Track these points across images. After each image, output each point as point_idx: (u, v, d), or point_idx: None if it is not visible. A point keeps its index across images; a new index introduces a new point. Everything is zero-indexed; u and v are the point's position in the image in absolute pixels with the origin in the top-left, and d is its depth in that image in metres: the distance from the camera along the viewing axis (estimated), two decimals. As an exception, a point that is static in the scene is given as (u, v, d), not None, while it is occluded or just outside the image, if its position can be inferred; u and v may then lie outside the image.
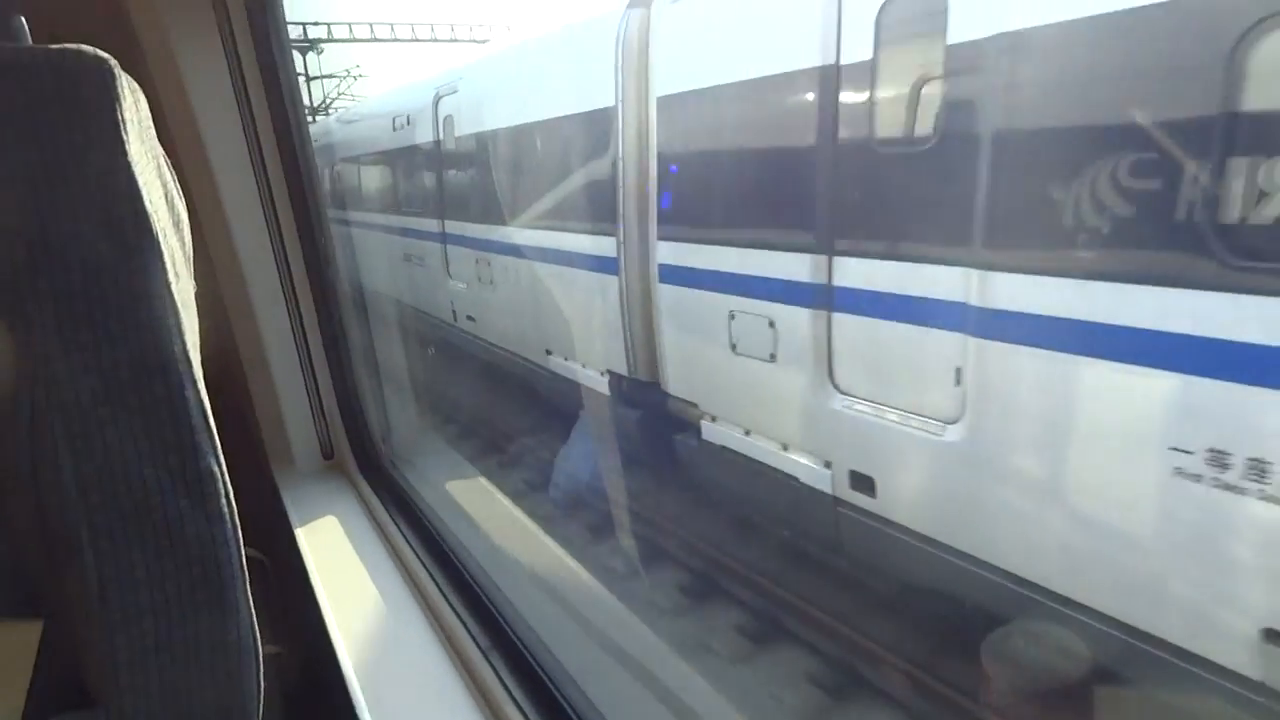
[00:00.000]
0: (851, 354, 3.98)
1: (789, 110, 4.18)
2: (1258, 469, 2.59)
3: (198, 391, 0.79)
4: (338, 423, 2.42)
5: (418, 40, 20.15)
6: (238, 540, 0.82)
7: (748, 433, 4.65)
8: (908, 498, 3.80)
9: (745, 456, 4.64)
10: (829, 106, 3.94)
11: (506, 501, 4.49)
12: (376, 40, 20.87)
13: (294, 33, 19.95)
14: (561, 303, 6.38)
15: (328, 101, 24.04)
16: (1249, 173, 2.54)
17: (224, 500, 0.80)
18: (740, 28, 4.43)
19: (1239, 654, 2.71)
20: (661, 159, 5.03)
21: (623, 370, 5.59)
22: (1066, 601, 3.16)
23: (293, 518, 2.08)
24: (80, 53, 0.71)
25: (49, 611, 0.81)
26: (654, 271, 5.19)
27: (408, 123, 8.94)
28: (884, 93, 3.71)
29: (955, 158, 3.39)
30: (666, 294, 5.11)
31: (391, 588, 1.77)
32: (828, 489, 4.11)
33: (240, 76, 2.05)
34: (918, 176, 3.58)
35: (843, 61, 3.85)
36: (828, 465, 4.14)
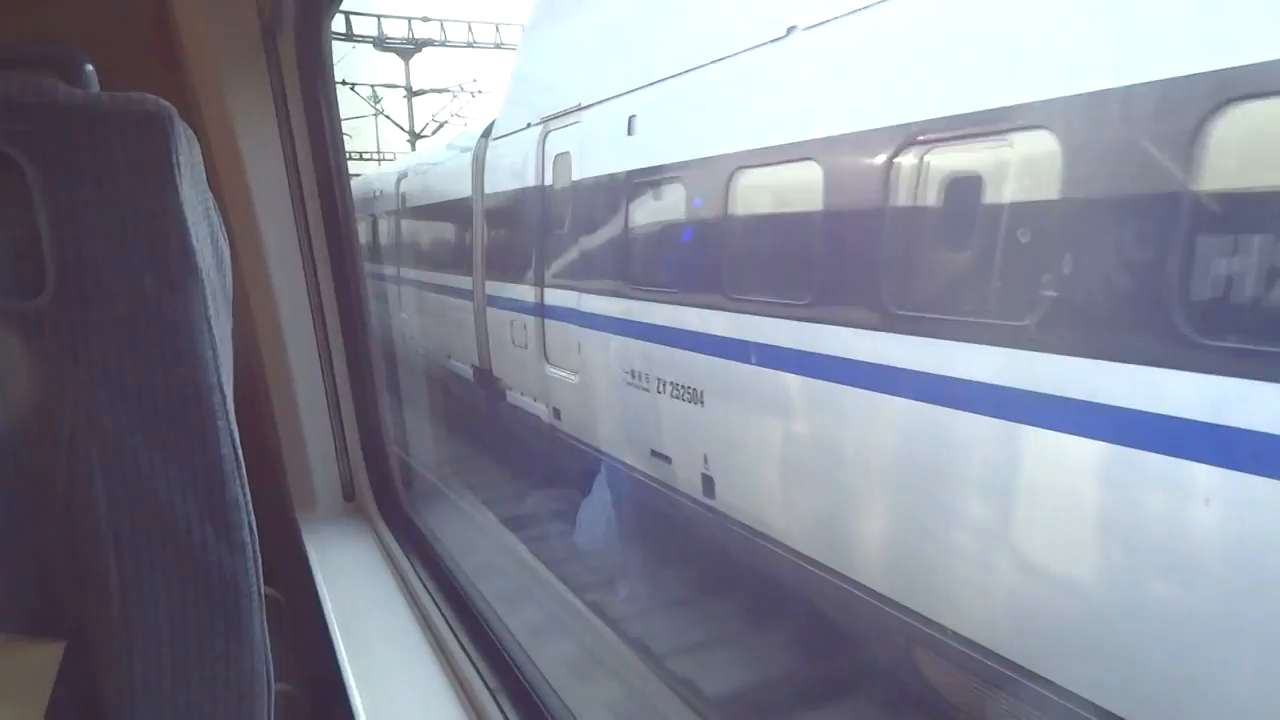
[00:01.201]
0: (551, 343, 7.27)
1: (525, 207, 7.69)
2: (638, 375, 5.67)
3: (229, 424, 0.81)
4: (360, 466, 2.44)
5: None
6: (258, 572, 0.84)
7: (521, 394, 8.11)
8: (569, 418, 7.07)
9: (520, 407, 8.13)
10: (538, 206, 7.32)
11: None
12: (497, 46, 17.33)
13: (398, 29, 17.30)
14: (452, 324, 9.96)
15: (437, 123, 19.66)
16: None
17: (247, 532, 0.82)
18: (507, 160, 8.01)
19: (643, 463, 5.69)
20: (483, 228, 8.94)
21: (477, 364, 9.12)
22: (597, 450, 6.53)
23: (312, 558, 2.10)
24: (144, 100, 0.76)
25: (71, 631, 0.82)
26: (483, 299, 8.84)
27: (377, 194, 13.17)
28: (554, 202, 7.13)
29: (548, 234, 7.21)
30: (490, 314, 8.72)
31: (406, 632, 1.77)
32: (545, 418, 7.45)
33: (288, 128, 2.15)
34: (558, 245, 7.12)
35: (542, 184, 7.24)
36: (546, 405, 7.44)
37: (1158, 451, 2.76)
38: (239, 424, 0.84)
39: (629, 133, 5.75)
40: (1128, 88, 2.87)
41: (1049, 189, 3.10)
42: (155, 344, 0.77)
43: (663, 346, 5.43)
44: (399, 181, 12.11)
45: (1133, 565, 2.93)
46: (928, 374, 3.54)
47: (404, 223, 12.46)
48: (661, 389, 5.42)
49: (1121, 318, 2.94)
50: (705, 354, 5.03)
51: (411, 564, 2.05)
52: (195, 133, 0.85)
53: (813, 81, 4.22)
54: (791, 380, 4.41)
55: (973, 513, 3.50)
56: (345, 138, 2.33)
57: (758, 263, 4.75)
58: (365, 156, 22.59)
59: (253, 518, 0.83)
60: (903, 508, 3.81)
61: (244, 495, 0.82)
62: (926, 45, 3.66)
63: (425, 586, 1.92)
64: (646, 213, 5.76)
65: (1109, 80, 2.91)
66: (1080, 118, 3.02)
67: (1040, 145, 3.11)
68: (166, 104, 0.77)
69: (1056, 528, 3.17)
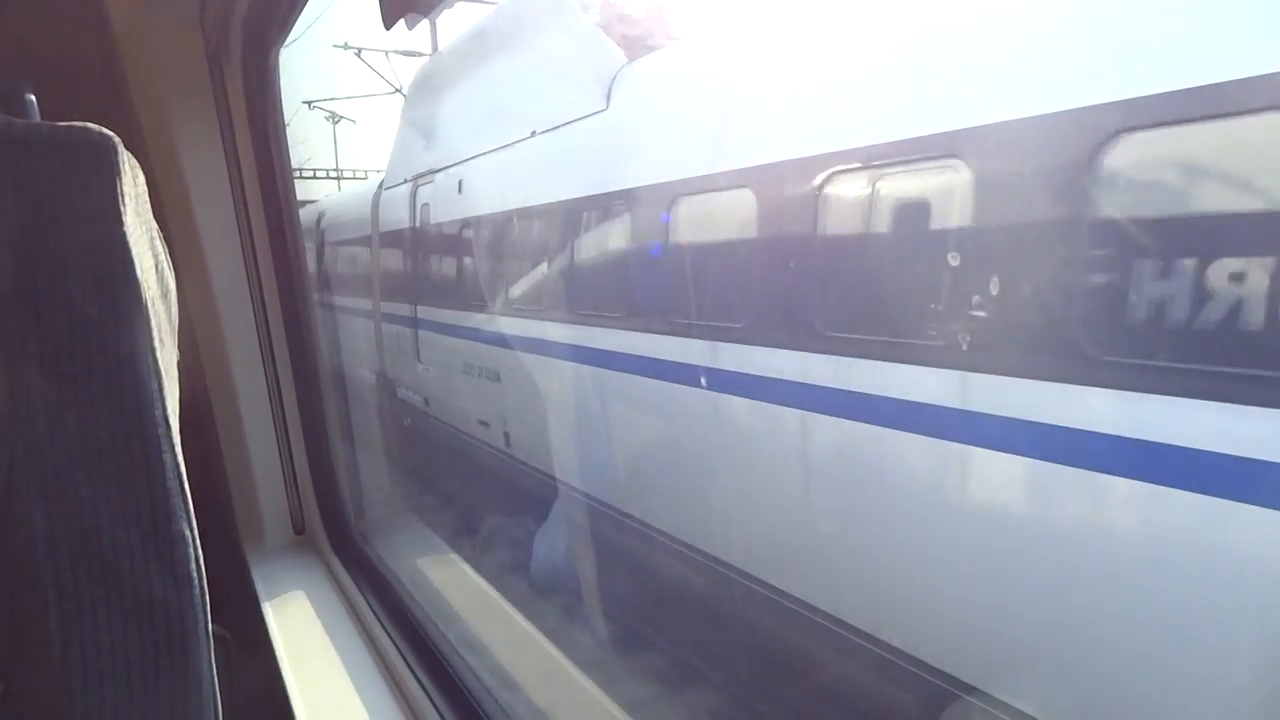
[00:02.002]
0: (422, 347, 9.60)
1: (404, 243, 9.94)
2: (469, 366, 8.28)
3: (175, 457, 0.80)
4: (310, 497, 2.40)
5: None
6: (205, 607, 0.82)
7: (406, 390, 10.33)
8: (434, 404, 9.59)
9: (406, 401, 10.29)
10: (412, 242, 9.69)
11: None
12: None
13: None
14: (360, 339, 11.73)
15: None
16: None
17: (193, 566, 0.81)
18: (393, 207, 10.14)
19: (474, 428, 8.27)
20: (379, 259, 11.14)
21: (378, 369, 11.02)
22: (450, 424, 9.08)
23: (261, 593, 2.05)
24: (86, 130, 0.75)
25: (8, 674, 0.80)
26: (379, 317, 11.06)
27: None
28: (422, 239, 9.47)
29: (419, 263, 9.70)
30: (385, 329, 10.88)
31: (360, 667, 1.74)
32: (421, 407, 9.86)
33: (235, 157, 2.12)
34: (426, 272, 9.54)
35: (414, 225, 9.39)
36: (419, 395, 9.88)
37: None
38: (185, 457, 0.83)
39: (459, 192, 8.32)
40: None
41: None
42: (98, 377, 0.75)
43: (478, 344, 7.98)
44: (319, 219, 14.37)
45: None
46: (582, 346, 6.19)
47: (324, 252, 14.49)
48: (480, 374, 8.06)
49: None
50: (500, 347, 7.54)
51: (365, 597, 2.01)
52: (141, 162, 0.85)
53: (541, 164, 6.89)
54: (540, 359, 7.02)
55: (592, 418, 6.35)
56: (300, 157, 2.32)
57: (522, 282, 7.42)
58: (325, 174, 22.39)
59: (199, 553, 0.81)
60: (579, 436, 6.62)
61: (190, 530, 0.80)
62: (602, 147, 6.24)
63: (380, 620, 1.88)
64: (470, 248, 8.38)
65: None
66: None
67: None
68: (109, 133, 0.76)
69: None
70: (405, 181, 9.61)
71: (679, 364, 5.11)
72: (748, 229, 4.52)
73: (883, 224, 3.74)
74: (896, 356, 3.65)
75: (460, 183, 8.23)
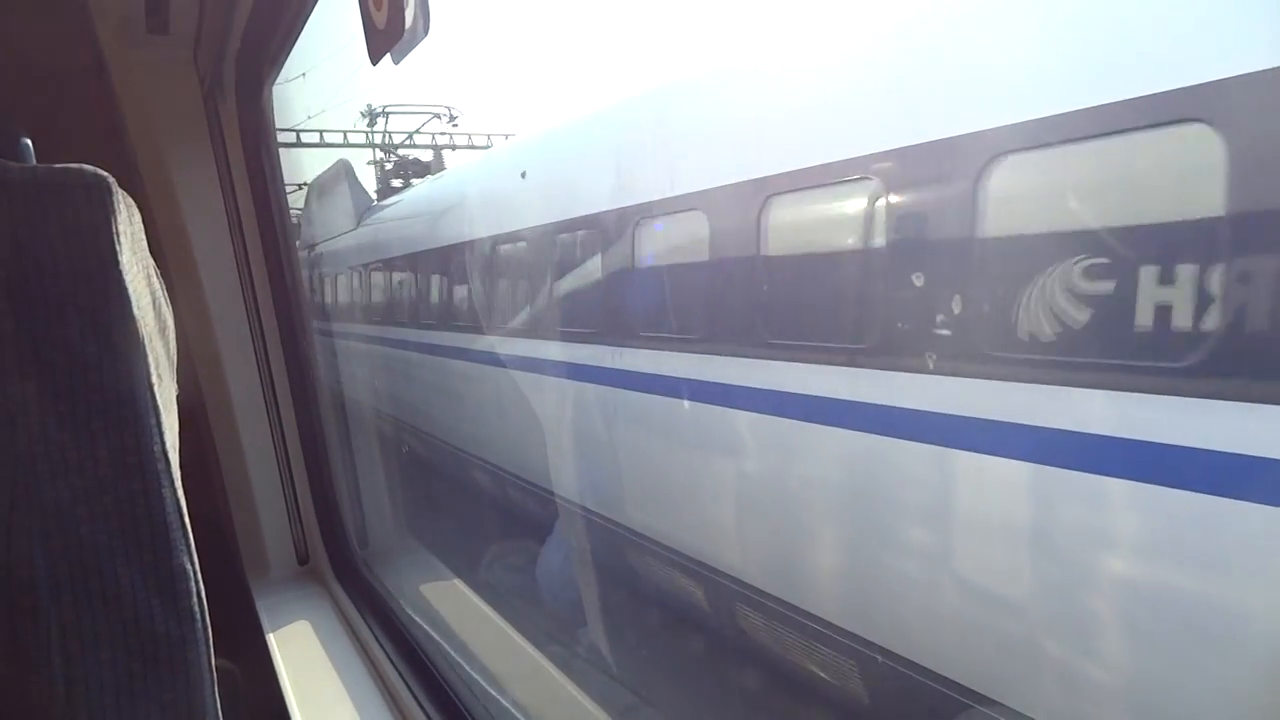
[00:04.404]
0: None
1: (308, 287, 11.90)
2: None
3: (174, 491, 0.80)
4: (314, 528, 2.39)
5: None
6: (208, 641, 0.82)
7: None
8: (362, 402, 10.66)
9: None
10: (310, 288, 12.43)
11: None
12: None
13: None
14: None
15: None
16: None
17: (195, 600, 0.81)
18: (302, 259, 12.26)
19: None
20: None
21: None
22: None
23: (266, 625, 2.04)
24: (80, 171, 0.76)
25: (11, 715, 0.79)
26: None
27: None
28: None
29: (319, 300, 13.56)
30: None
31: (365, 698, 1.73)
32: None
33: (231, 191, 2.14)
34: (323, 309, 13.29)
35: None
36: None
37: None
38: (187, 490, 0.83)
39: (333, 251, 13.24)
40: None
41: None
42: (97, 414, 0.76)
43: (382, 346, 11.24)
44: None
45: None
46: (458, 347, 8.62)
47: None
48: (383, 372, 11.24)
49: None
50: (398, 350, 10.55)
51: (370, 628, 2.00)
52: (137, 198, 0.86)
53: (337, 250, 13.13)
54: (433, 359, 9.37)
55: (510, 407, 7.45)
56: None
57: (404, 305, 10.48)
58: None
59: (201, 586, 0.82)
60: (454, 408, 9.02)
61: (192, 563, 0.81)
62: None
63: (385, 652, 1.87)
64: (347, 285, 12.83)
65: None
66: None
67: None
68: (104, 174, 0.77)
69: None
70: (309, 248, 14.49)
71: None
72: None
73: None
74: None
75: (327, 253, 13.80)
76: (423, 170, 16.44)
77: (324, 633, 2.04)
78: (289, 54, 1.92)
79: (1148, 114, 2.61)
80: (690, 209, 4.64)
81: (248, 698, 1.94)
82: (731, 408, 4.51)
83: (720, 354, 4.51)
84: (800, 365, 3.99)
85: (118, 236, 0.77)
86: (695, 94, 5.01)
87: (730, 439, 4.59)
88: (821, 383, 3.87)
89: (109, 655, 0.76)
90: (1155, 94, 2.58)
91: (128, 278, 0.78)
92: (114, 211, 0.77)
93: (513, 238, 6.90)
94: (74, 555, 0.75)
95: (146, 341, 0.79)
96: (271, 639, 1.97)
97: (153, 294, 0.89)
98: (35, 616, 0.74)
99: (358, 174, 13.59)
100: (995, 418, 3.07)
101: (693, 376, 4.75)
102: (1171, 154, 2.65)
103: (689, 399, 4.88)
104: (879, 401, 3.60)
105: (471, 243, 7.82)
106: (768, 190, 4.10)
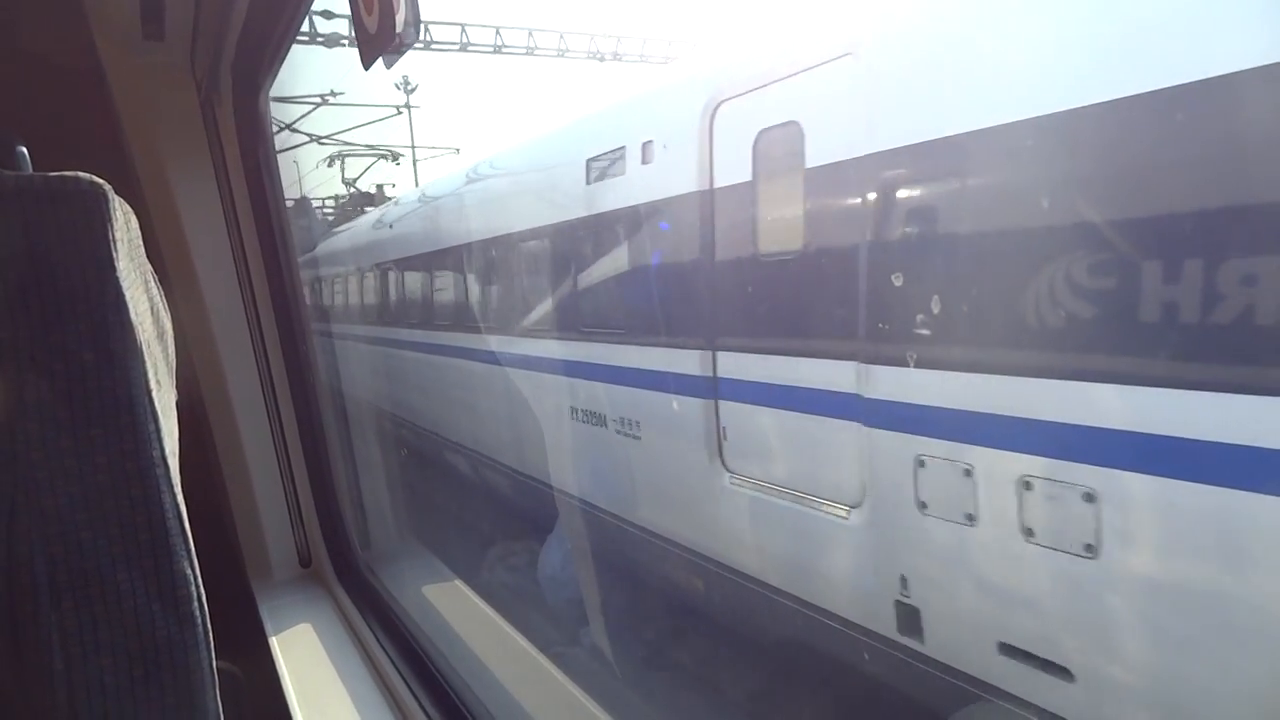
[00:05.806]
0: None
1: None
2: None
3: (174, 496, 0.81)
4: (316, 530, 2.40)
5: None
6: (209, 644, 0.82)
7: None
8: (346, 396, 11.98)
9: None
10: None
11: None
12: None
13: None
14: None
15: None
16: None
17: (196, 604, 0.81)
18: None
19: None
20: None
21: None
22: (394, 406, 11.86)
23: (268, 627, 2.04)
24: (76, 179, 0.77)
25: (16, 717, 0.80)
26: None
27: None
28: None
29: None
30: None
31: (367, 701, 1.73)
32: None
33: (229, 196, 2.15)
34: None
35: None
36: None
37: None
38: (188, 494, 0.83)
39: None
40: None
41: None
42: (95, 420, 0.76)
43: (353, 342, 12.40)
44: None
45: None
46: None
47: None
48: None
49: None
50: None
51: (373, 631, 2.01)
52: (135, 205, 0.86)
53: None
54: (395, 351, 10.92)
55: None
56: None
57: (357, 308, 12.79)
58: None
59: (202, 590, 0.82)
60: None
61: (192, 567, 0.81)
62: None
63: (388, 655, 1.88)
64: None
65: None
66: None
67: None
68: (100, 181, 0.78)
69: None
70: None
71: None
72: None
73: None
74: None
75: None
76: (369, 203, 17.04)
77: (326, 635, 2.04)
78: (285, 58, 1.92)
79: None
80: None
81: (250, 700, 1.94)
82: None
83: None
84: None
85: (114, 243, 0.78)
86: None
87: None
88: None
89: (110, 660, 0.77)
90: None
91: (125, 284, 0.78)
92: (110, 218, 0.78)
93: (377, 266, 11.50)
94: (74, 561, 0.75)
95: (144, 347, 0.80)
96: (274, 641, 1.97)
97: (150, 300, 0.89)
98: (36, 622, 0.75)
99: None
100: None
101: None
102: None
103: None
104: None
105: (354, 269, 12.59)
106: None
